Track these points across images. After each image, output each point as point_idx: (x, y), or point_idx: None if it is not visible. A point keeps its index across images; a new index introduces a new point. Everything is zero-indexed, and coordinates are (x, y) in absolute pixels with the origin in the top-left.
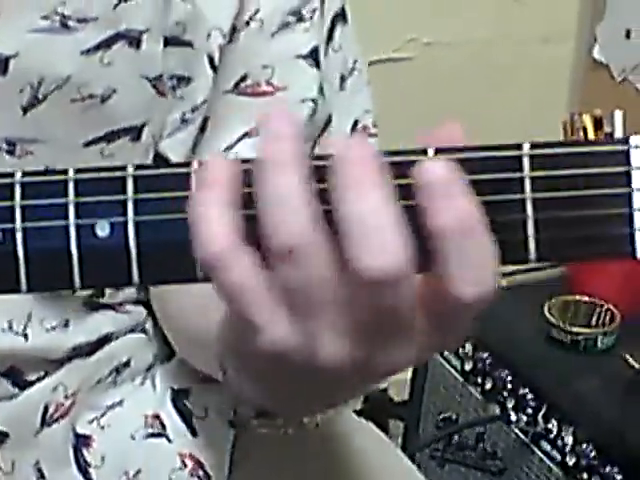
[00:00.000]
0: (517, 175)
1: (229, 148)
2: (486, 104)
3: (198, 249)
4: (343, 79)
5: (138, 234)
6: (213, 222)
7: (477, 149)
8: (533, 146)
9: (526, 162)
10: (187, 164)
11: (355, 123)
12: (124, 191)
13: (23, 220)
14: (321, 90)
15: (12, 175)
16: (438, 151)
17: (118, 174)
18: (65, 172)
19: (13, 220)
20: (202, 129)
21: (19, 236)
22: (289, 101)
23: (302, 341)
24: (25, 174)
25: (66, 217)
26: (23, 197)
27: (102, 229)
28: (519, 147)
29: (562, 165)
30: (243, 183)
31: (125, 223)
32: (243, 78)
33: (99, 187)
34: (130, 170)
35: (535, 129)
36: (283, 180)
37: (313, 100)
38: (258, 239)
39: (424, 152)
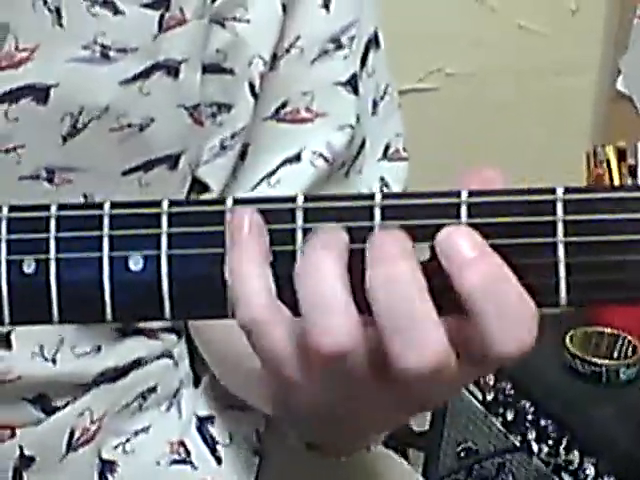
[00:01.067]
0: (550, 219)
1: (269, 175)
2: (509, 135)
3: (237, 314)
4: (375, 104)
5: (171, 268)
6: (250, 284)
7: (511, 192)
8: (567, 190)
9: (559, 206)
10: (222, 201)
11: (387, 147)
12: (158, 225)
13: (57, 251)
14: (358, 116)
15: (48, 208)
16: (472, 194)
17: (153, 210)
18: (101, 206)
19: (47, 251)
20: (242, 156)
21: (52, 267)
22: (328, 128)
23: (343, 401)
24: (61, 207)
25: (100, 250)
26: (58, 229)
27: (135, 263)
28: (553, 192)
29: (595, 210)
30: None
31: (158, 257)
32: (283, 105)
33: (133, 221)
34: (165, 206)
35: (558, 161)
36: (324, 286)
37: (351, 127)
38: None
39: (457, 194)
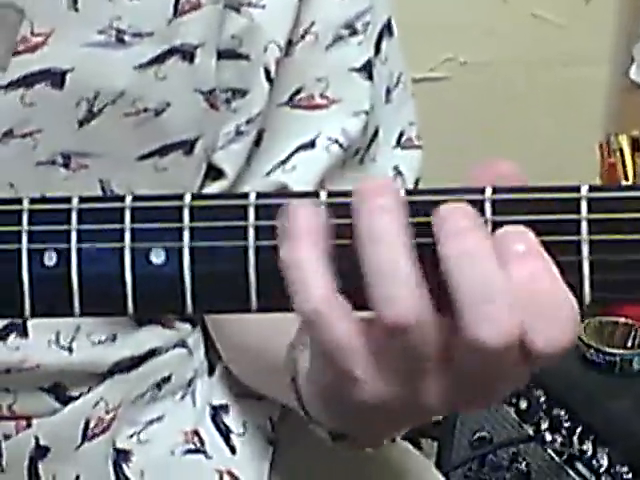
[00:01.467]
0: (574, 217)
1: (284, 161)
2: (522, 125)
3: (296, 306)
4: (389, 92)
5: (193, 262)
6: (309, 276)
7: (535, 190)
8: (591, 189)
9: (584, 204)
10: (245, 195)
11: (400, 135)
12: (180, 219)
13: (79, 244)
14: (372, 103)
15: (69, 201)
16: (496, 190)
17: (175, 203)
18: (123, 199)
19: (69, 243)
20: (257, 142)
21: (74, 259)
22: (342, 114)
23: (403, 394)
24: (83, 200)
25: (121, 242)
26: (80, 222)
27: (157, 256)
28: (577, 190)
29: (619, 208)
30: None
31: (180, 250)
32: (298, 91)
33: (155, 214)
34: (187, 200)
35: (571, 150)
36: (389, 255)
37: (366, 113)
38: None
39: (482, 191)
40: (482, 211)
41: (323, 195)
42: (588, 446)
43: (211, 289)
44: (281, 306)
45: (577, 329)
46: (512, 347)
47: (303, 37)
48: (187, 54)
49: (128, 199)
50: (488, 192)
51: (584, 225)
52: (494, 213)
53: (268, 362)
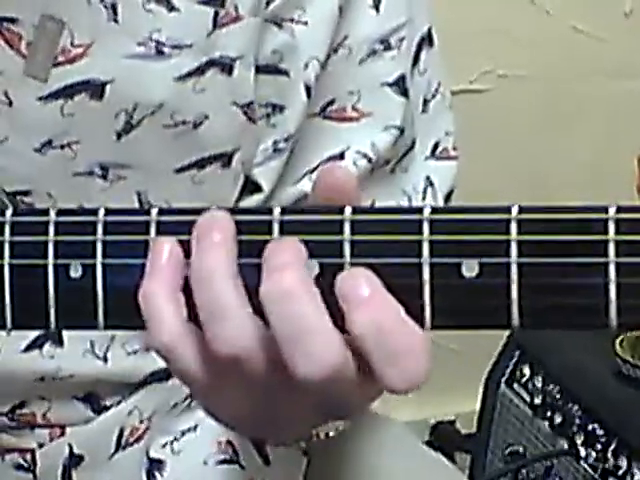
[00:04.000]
0: (601, 238)
1: (312, 171)
2: (560, 137)
3: (148, 339)
4: (426, 102)
5: None
6: (162, 312)
7: (562, 210)
8: (619, 209)
9: (611, 226)
10: (270, 210)
11: (436, 145)
12: None
13: (104, 256)
14: (409, 118)
15: (95, 213)
16: (522, 210)
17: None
18: (148, 212)
19: (94, 256)
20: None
21: (99, 272)
22: (373, 128)
23: (259, 412)
24: (108, 212)
25: (146, 256)
26: (105, 233)
27: None
28: (605, 210)
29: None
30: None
31: None
32: (330, 102)
33: (180, 228)
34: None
35: (611, 163)
36: (217, 292)
37: (397, 127)
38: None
39: (508, 210)
40: (508, 230)
41: (348, 211)
42: (623, 461)
43: None
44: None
45: (428, 362)
46: (340, 377)
47: (336, 50)
48: (226, 66)
49: (154, 212)
50: (514, 211)
51: (612, 246)
52: (519, 233)
53: None
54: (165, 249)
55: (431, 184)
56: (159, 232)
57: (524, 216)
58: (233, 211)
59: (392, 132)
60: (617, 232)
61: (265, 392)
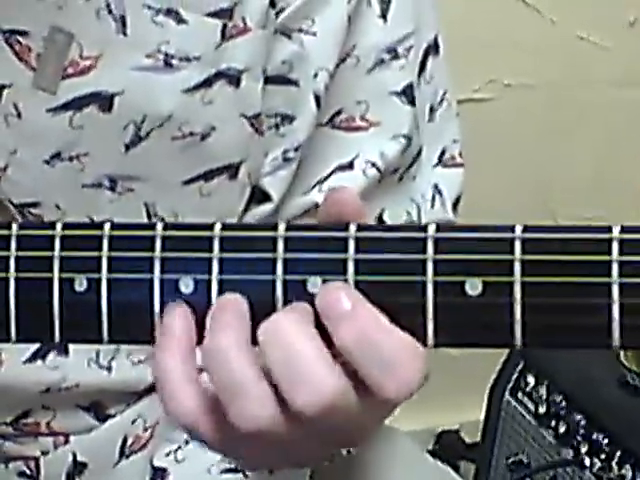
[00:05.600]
0: (605, 258)
1: (321, 182)
2: (564, 145)
3: (168, 413)
4: (432, 110)
5: (221, 293)
6: (180, 393)
7: (566, 229)
8: (623, 230)
9: (615, 246)
10: (274, 227)
11: (442, 153)
12: (210, 249)
13: (109, 271)
14: (416, 127)
15: (101, 227)
16: (526, 229)
17: (205, 233)
18: (153, 227)
19: (99, 270)
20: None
21: (104, 286)
22: (381, 137)
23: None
24: (114, 227)
25: (151, 271)
26: (110, 249)
27: (186, 286)
28: (609, 230)
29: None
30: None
31: (209, 281)
32: (338, 112)
33: (186, 243)
34: (217, 230)
35: (612, 171)
36: (233, 370)
37: (405, 136)
38: None
39: (512, 229)
40: (512, 250)
41: (352, 228)
42: (627, 471)
43: None
44: None
45: (421, 366)
46: (340, 406)
47: (344, 60)
48: (233, 78)
49: (159, 227)
50: (518, 230)
51: (615, 267)
52: (524, 252)
53: None
54: (169, 321)
55: (439, 192)
56: (164, 248)
57: (528, 235)
58: (240, 227)
59: (400, 141)
60: (621, 252)
61: (279, 445)
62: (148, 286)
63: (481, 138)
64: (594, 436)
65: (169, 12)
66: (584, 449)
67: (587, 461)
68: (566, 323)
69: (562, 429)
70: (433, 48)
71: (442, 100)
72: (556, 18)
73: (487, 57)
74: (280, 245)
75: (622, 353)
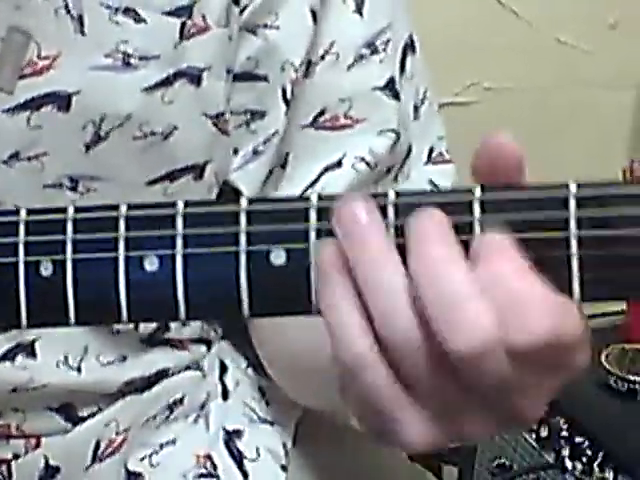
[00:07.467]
0: (563, 215)
1: (312, 184)
2: (546, 150)
3: (337, 351)
4: (416, 108)
5: (186, 269)
6: (350, 324)
7: (524, 188)
8: (580, 186)
9: (572, 202)
10: (237, 201)
11: (431, 150)
12: (174, 226)
13: (74, 253)
14: (403, 122)
15: (65, 211)
16: (484, 188)
17: (169, 212)
18: (116, 208)
19: (64, 253)
20: (283, 166)
21: (69, 268)
22: (368, 133)
23: (440, 433)
24: (78, 210)
25: (115, 250)
26: (75, 231)
27: (151, 263)
28: (565, 187)
29: (608, 204)
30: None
31: (173, 257)
32: (321, 112)
33: (149, 222)
34: (180, 207)
35: (595, 175)
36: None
37: (393, 131)
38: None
39: (469, 191)
40: (471, 211)
41: (314, 198)
42: (609, 473)
43: (204, 295)
44: (274, 311)
45: (558, 319)
46: (491, 351)
47: (323, 58)
48: (194, 77)
49: (123, 208)
50: (477, 193)
51: (572, 222)
52: (483, 212)
53: (306, 369)
54: (333, 251)
55: (435, 187)
56: (128, 227)
57: (487, 196)
58: (203, 203)
59: (389, 135)
60: (578, 208)
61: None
62: (113, 265)
63: (462, 142)
64: (576, 439)
65: (127, 11)
66: (566, 452)
67: (569, 464)
68: None
69: (544, 433)
70: (410, 47)
71: (424, 98)
72: (536, 22)
73: (466, 61)
74: (243, 219)
75: (604, 356)
